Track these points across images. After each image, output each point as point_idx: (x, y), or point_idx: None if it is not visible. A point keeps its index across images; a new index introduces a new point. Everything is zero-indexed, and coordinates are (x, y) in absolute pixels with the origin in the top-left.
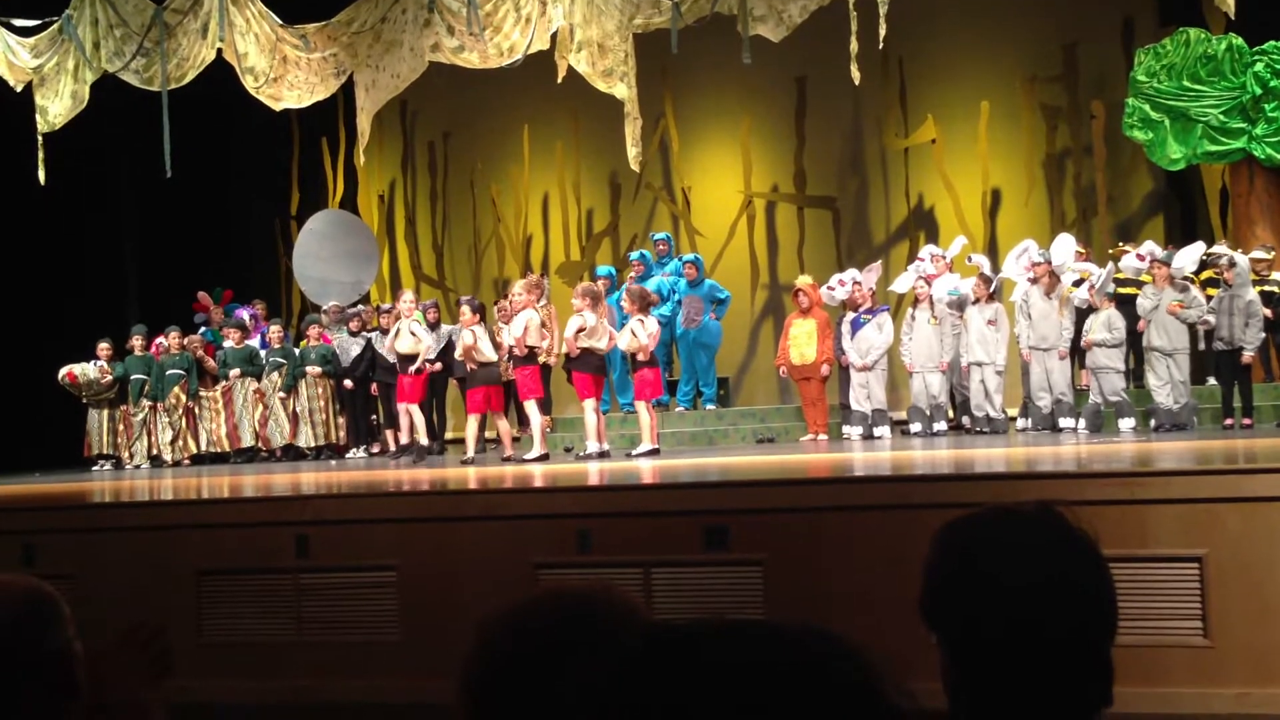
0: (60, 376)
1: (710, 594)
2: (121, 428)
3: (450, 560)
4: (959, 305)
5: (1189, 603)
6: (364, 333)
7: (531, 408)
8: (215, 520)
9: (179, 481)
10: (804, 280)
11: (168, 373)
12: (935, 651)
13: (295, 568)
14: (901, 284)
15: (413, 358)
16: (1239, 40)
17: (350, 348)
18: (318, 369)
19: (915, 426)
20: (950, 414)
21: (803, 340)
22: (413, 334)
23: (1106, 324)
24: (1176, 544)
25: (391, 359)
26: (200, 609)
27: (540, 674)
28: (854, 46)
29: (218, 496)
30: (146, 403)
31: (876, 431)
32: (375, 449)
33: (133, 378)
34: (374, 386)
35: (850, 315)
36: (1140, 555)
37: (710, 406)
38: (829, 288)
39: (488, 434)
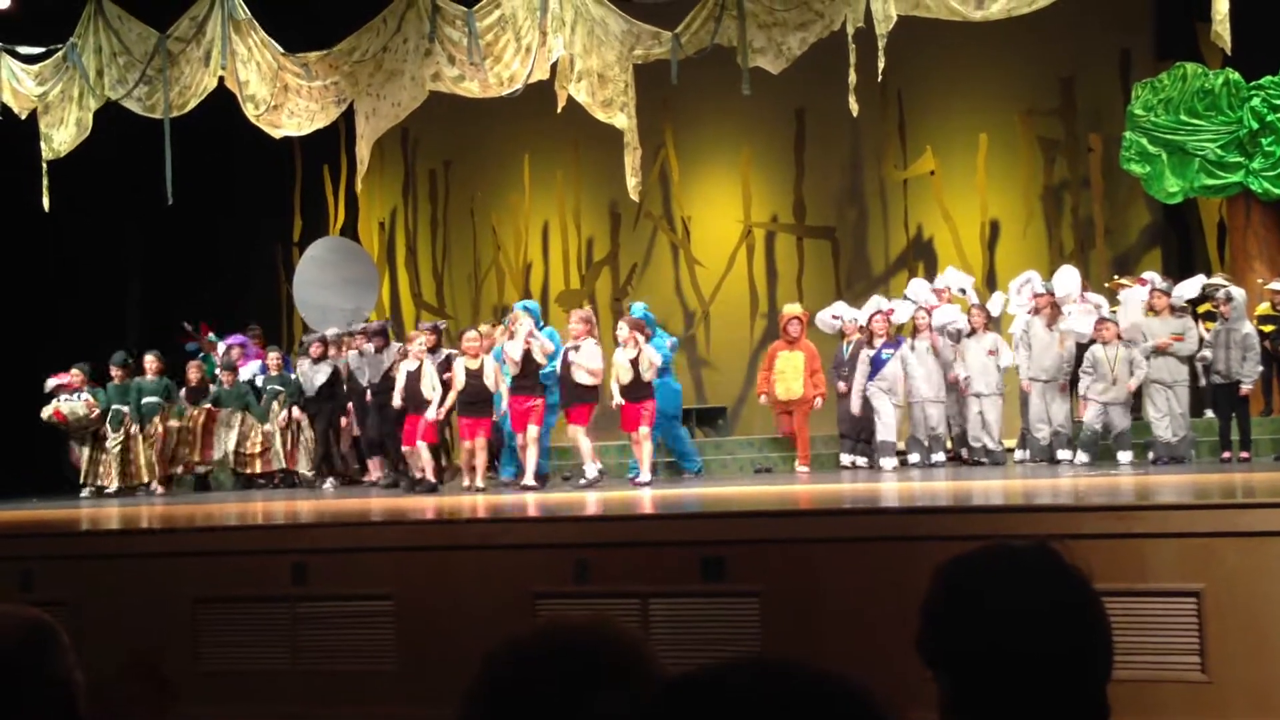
0: (47, 416)
1: (707, 624)
2: (103, 456)
3: (447, 590)
4: (955, 336)
5: (1186, 637)
6: (327, 359)
7: (533, 434)
8: (213, 548)
9: (177, 509)
10: (793, 309)
11: (144, 400)
12: (933, 685)
13: (292, 596)
14: (900, 314)
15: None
16: (1236, 75)
17: (314, 375)
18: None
19: (914, 457)
20: (948, 445)
21: (790, 374)
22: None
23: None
24: (1174, 578)
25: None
26: (197, 637)
27: (541, 708)
28: (853, 79)
29: (215, 525)
30: (123, 431)
31: (884, 462)
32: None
33: (114, 408)
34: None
35: (869, 352)
36: (1138, 589)
37: (692, 474)
38: (834, 316)
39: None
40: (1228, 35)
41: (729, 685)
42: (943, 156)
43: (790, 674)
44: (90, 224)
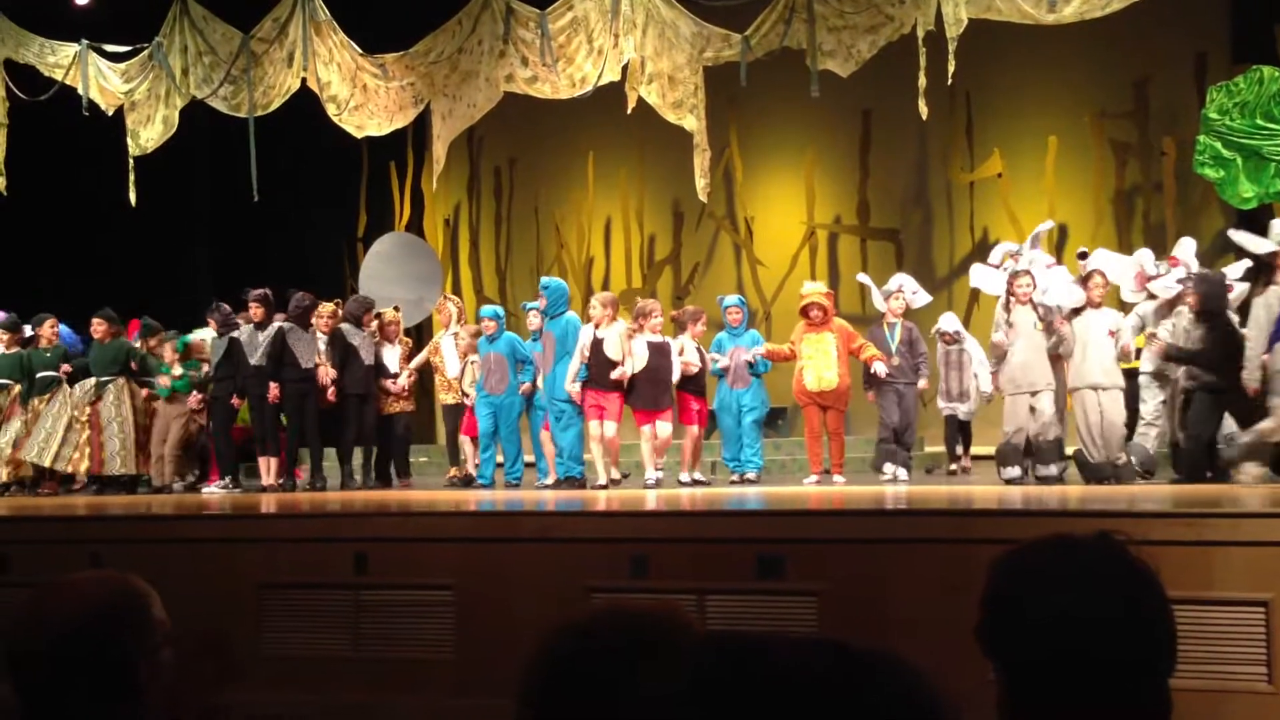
0: None
1: (765, 623)
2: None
3: (505, 581)
4: (1054, 312)
5: (1254, 647)
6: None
7: (611, 429)
8: (278, 535)
9: (242, 497)
10: (814, 289)
11: (39, 375)
12: (993, 688)
13: (354, 584)
14: (989, 282)
15: None
16: None
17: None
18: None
19: (1012, 471)
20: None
21: (820, 361)
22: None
23: None
24: (1242, 587)
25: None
26: (261, 622)
27: (599, 688)
28: (922, 82)
29: (281, 512)
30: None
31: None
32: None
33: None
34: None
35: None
36: (1204, 598)
37: (751, 474)
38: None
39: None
40: None
41: (781, 654)
42: (1010, 159)
43: (844, 648)
44: (165, 217)
